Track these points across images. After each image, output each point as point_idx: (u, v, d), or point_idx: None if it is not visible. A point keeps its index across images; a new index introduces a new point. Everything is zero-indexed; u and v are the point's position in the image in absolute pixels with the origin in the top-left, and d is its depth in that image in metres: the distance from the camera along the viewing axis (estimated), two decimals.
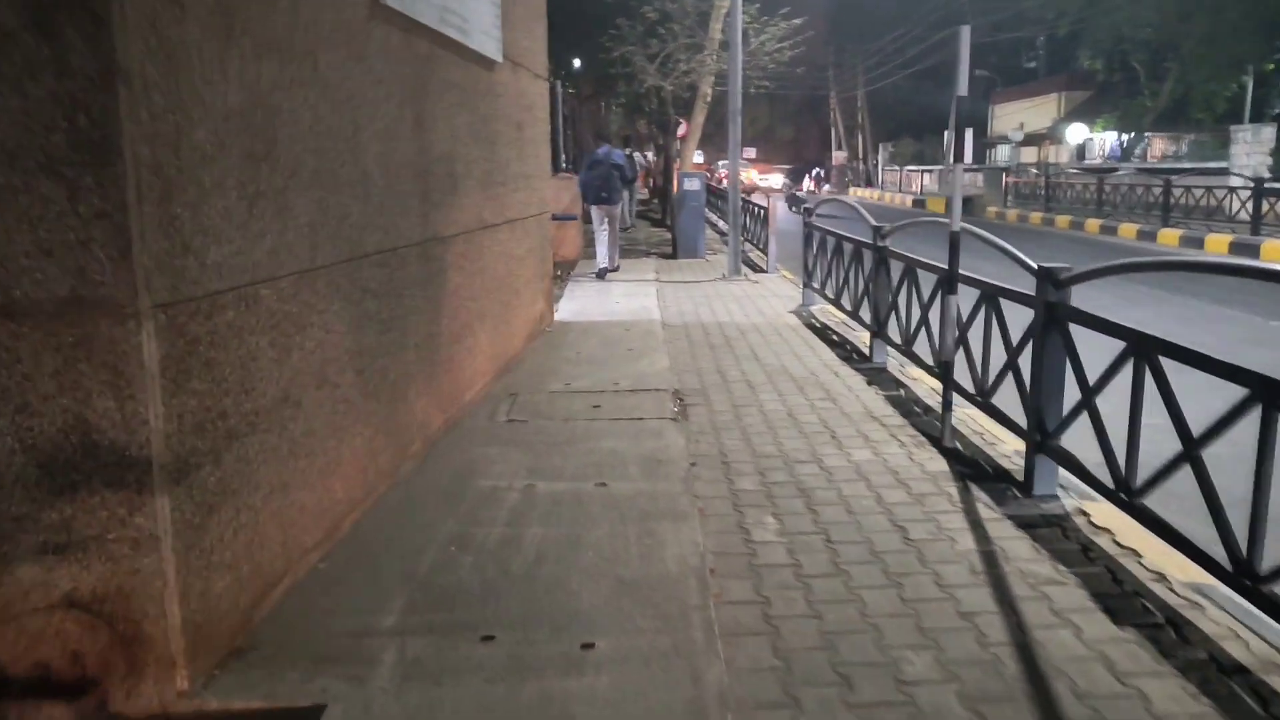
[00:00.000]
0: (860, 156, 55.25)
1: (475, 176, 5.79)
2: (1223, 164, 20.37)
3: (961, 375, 4.93)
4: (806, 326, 8.56)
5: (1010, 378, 4.50)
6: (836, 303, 8.57)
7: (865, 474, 4.35)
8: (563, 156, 17.21)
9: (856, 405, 5.61)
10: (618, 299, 10.29)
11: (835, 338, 7.98)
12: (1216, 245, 16.31)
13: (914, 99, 49.53)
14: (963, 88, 4.59)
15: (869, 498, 4.05)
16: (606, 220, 12.13)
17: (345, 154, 3.70)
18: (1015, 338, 4.46)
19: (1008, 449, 4.74)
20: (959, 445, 4.81)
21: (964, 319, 4.99)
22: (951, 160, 4.74)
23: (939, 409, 5.49)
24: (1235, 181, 18.65)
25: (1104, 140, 33.86)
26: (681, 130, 18.27)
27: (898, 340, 6.47)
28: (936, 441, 4.84)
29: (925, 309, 5.87)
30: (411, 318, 4.49)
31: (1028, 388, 4.23)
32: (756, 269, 12.77)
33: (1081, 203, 23.41)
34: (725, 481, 4.28)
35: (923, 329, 6.00)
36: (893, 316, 6.73)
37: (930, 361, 5.72)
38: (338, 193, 3.62)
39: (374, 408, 4.00)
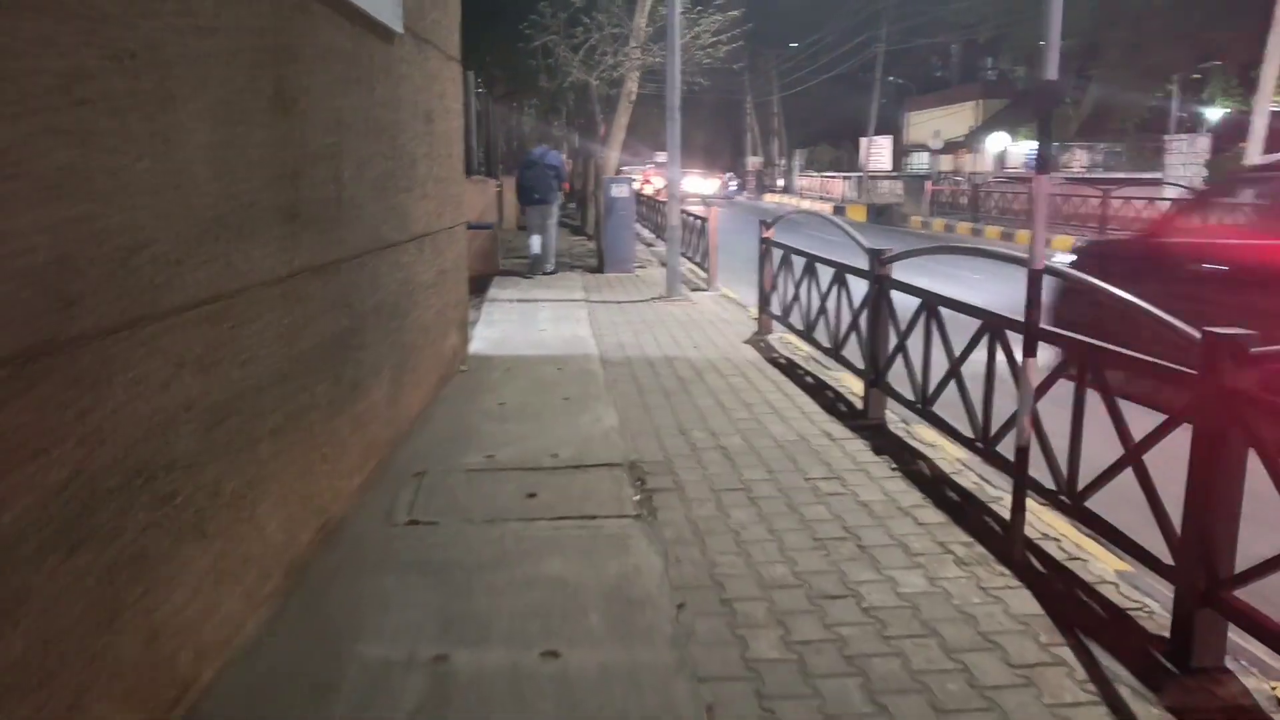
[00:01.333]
0: (774, 162, 54.76)
1: (370, 180, 4.33)
2: (1156, 174, 19.95)
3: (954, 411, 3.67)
4: (770, 362, 7.27)
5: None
6: (807, 336, 7.30)
7: (931, 622, 3.03)
8: (477, 157, 15.69)
9: (873, 490, 4.31)
10: (544, 324, 8.85)
11: (809, 379, 6.70)
12: None
13: (831, 105, 49.26)
14: (1053, 69, 3.35)
15: (953, 673, 2.73)
16: (546, 219, 12.42)
17: (141, 142, 2.22)
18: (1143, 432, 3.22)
19: (1103, 568, 3.49)
20: (1033, 558, 3.55)
21: (1022, 384, 3.72)
22: (1035, 161, 3.48)
23: (980, 492, 4.24)
24: (1172, 192, 18.18)
25: (1019, 150, 33.70)
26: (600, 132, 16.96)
27: (906, 394, 5.21)
28: (1003, 555, 3.56)
29: (956, 362, 4.61)
30: (266, 393, 3.01)
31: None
32: (695, 287, 11.47)
33: (1010, 212, 22.84)
34: (734, 643, 2.90)
35: (944, 385, 4.75)
36: (893, 359, 5.49)
37: (960, 426, 4.47)
38: (119, 208, 2.13)
39: (194, 552, 2.51)
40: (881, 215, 29.32)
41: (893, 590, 3.26)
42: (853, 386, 6.29)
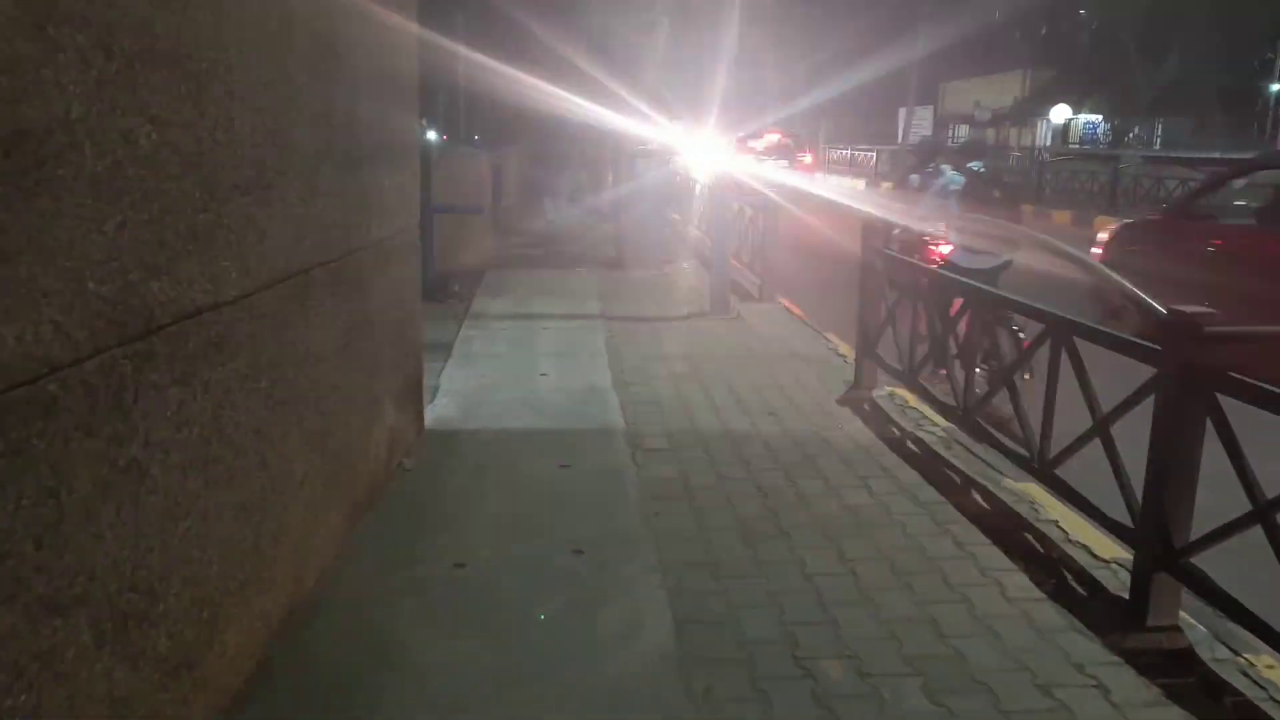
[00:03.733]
0: (796, 132, 51.61)
1: (298, 164, 2.14)
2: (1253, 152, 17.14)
3: None
4: (896, 450, 4.63)
5: None
6: (965, 420, 4.55)
7: None
8: (458, 119, 13.07)
9: None
10: (544, 360, 6.22)
11: (982, 500, 4.08)
12: None
13: (862, 74, 46.16)
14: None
15: None
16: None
17: None
18: None
19: None
20: None
21: None
22: None
23: None
24: None
25: (1070, 123, 30.72)
26: None
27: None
28: None
29: None
30: None
31: None
32: (744, 295, 8.79)
33: (1086, 195, 20.00)
34: None
35: None
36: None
37: None
38: None
39: None
40: None
41: None
42: (1087, 539, 3.65)
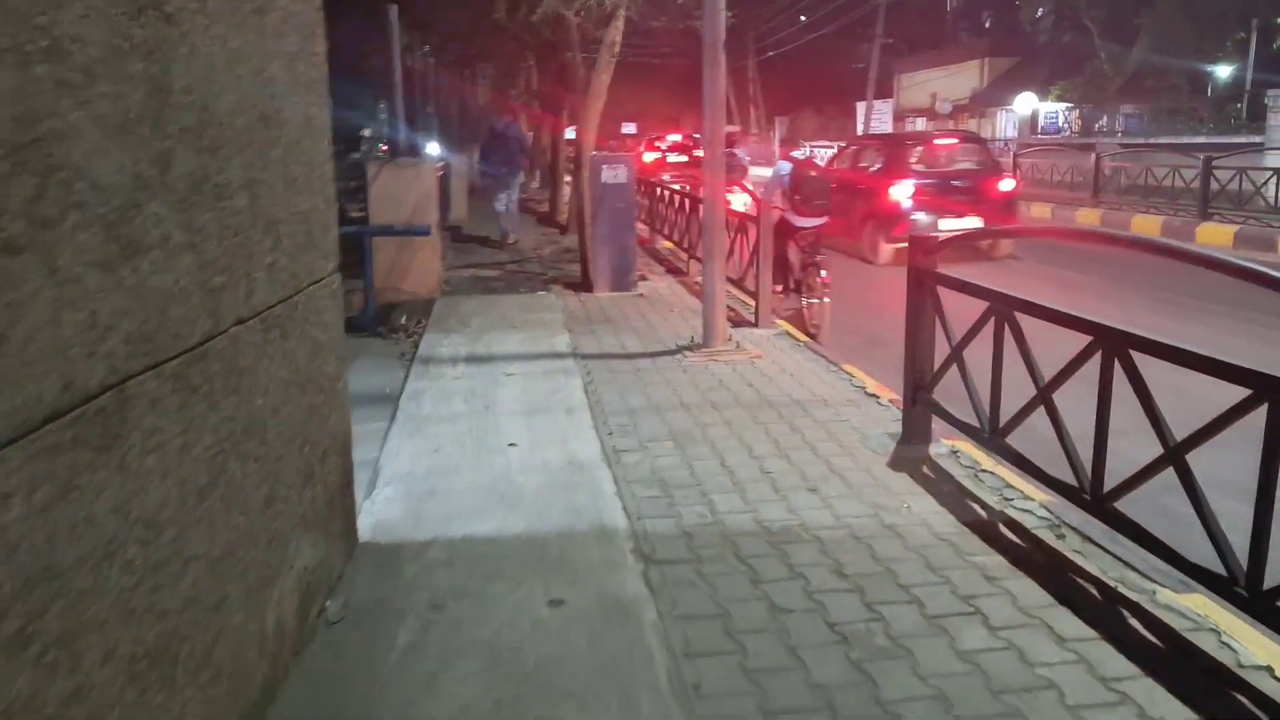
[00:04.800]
0: (751, 131, 50.77)
1: (91, 202, 1.35)
2: (1255, 139, 16.36)
3: None
4: (986, 538, 3.49)
5: None
6: (1104, 511, 3.42)
7: None
8: (398, 128, 11.74)
9: None
10: (512, 416, 4.99)
11: (1145, 629, 2.94)
12: None
13: (813, 68, 45.48)
14: None
15: None
16: (511, 193, 12.84)
17: None
18: None
19: None
20: None
21: None
22: None
23: None
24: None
25: (1033, 113, 30.03)
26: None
27: None
28: None
29: None
30: None
31: None
32: (736, 319, 7.60)
33: (1066, 186, 19.14)
34: None
35: None
36: None
37: None
38: None
39: None
40: None
41: None
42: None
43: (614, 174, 8.93)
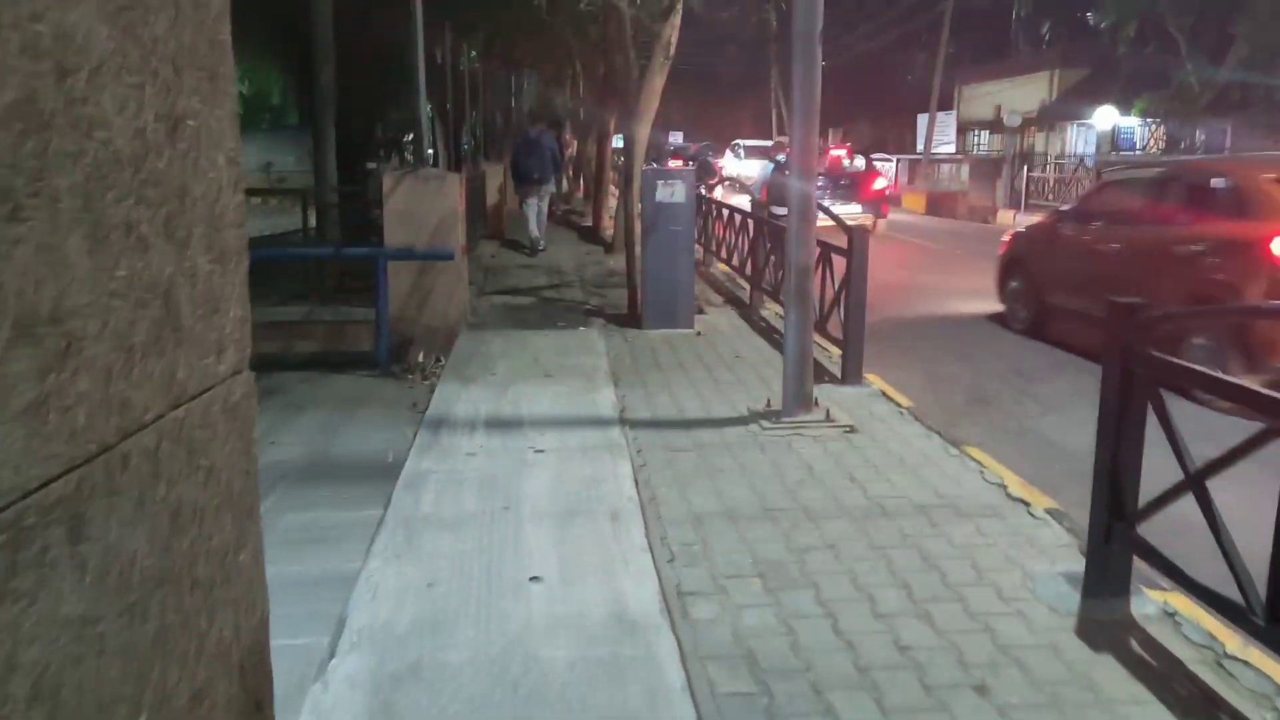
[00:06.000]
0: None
1: None
2: None
3: None
4: None
5: None
6: None
7: None
8: (430, 141, 10.62)
9: None
10: (537, 523, 3.69)
11: None
12: None
13: (867, 78, 43.93)
14: None
15: None
16: (542, 201, 12.58)
17: None
18: None
19: None
20: None
21: None
22: None
23: None
24: None
25: (1102, 129, 28.22)
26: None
27: None
28: None
29: None
30: None
31: None
32: (822, 373, 6.22)
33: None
34: None
35: None
36: None
37: None
38: None
39: None
40: (941, 207, 24.19)
41: None
42: None
43: (670, 192, 7.62)
